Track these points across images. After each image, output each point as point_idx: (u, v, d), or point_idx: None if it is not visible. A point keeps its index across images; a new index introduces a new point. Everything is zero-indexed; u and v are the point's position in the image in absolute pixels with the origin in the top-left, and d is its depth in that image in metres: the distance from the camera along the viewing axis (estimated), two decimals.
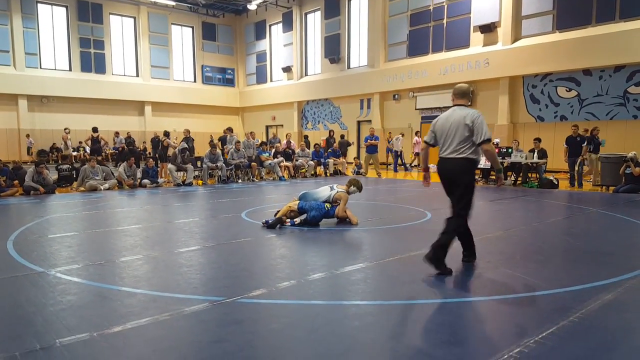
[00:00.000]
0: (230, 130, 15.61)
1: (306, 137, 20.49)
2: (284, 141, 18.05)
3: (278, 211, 7.02)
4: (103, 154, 18.77)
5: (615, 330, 3.12)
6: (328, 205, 6.90)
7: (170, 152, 14.59)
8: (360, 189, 7.27)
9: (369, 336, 3.02)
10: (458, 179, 4.38)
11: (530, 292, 3.91)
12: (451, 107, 4.57)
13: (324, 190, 7.16)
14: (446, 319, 3.31)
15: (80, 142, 23.31)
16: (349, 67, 24.88)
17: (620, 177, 11.45)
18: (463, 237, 4.62)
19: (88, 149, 19.31)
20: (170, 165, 13.47)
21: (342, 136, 19.97)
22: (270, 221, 6.70)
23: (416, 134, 19.78)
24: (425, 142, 4.68)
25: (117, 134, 22.00)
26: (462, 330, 3.09)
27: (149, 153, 21.22)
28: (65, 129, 22.31)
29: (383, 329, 3.17)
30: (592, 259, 5.05)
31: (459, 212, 4.40)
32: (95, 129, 18.46)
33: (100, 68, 26.73)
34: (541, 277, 4.32)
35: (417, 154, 19.72)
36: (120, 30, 27.70)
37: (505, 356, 2.69)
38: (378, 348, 2.85)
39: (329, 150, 18.01)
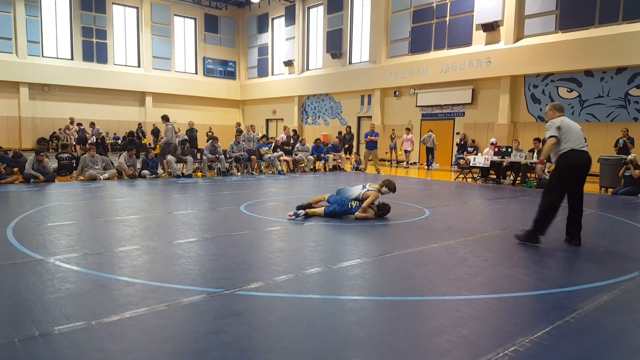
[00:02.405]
0: (165, 118, 14.24)
1: (295, 131, 20.59)
2: (282, 134, 18.08)
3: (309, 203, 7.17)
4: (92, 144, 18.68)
5: (610, 331, 3.14)
6: (354, 203, 6.97)
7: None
8: (393, 190, 7.25)
9: (365, 331, 3.04)
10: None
11: (527, 291, 3.94)
12: (559, 117, 5.68)
13: (357, 189, 7.22)
14: (442, 316, 3.33)
15: (61, 130, 23.39)
16: (350, 63, 24.83)
17: (619, 179, 11.47)
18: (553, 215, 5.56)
19: (74, 138, 19.34)
20: (169, 157, 13.47)
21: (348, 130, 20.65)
22: (300, 210, 6.96)
23: (408, 131, 19.92)
24: (556, 136, 5.49)
25: (92, 124, 20.83)
26: (458, 328, 3.11)
27: (149, 144, 21.26)
28: (78, 123, 21.58)
29: (379, 324, 3.19)
30: (589, 260, 5.07)
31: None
32: (72, 120, 19.26)
33: (102, 58, 26.64)
34: (538, 277, 4.34)
35: (407, 152, 19.83)
36: (122, 20, 27.60)
37: (501, 354, 2.72)
38: (374, 343, 2.87)
39: (329, 145, 18.04)
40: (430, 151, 19.46)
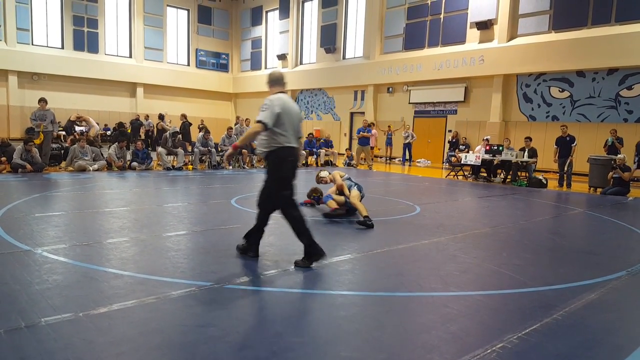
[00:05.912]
0: (43, 101, 12.32)
1: None
2: None
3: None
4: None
5: (596, 330, 3.17)
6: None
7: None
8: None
9: (354, 326, 3.04)
10: None
11: (515, 288, 3.96)
12: (278, 94, 4.45)
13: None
14: (431, 312, 3.34)
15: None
16: (344, 58, 24.76)
17: (608, 179, 11.58)
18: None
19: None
20: (160, 149, 13.37)
21: None
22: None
23: (372, 125, 20.06)
24: (266, 125, 4.25)
25: (146, 117, 23.04)
26: (446, 324, 3.12)
27: (140, 135, 21.08)
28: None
29: (368, 320, 3.20)
30: (577, 258, 5.12)
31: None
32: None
33: (93, 47, 26.30)
34: (526, 275, 4.37)
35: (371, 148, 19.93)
36: (114, 10, 27.22)
37: (489, 351, 2.73)
38: (363, 338, 2.87)
39: (322, 140, 18.03)
40: (407, 147, 19.62)
